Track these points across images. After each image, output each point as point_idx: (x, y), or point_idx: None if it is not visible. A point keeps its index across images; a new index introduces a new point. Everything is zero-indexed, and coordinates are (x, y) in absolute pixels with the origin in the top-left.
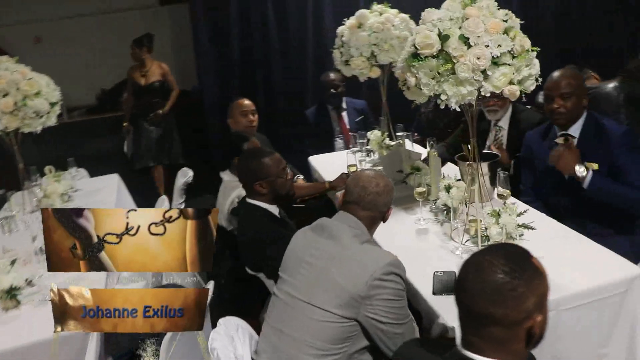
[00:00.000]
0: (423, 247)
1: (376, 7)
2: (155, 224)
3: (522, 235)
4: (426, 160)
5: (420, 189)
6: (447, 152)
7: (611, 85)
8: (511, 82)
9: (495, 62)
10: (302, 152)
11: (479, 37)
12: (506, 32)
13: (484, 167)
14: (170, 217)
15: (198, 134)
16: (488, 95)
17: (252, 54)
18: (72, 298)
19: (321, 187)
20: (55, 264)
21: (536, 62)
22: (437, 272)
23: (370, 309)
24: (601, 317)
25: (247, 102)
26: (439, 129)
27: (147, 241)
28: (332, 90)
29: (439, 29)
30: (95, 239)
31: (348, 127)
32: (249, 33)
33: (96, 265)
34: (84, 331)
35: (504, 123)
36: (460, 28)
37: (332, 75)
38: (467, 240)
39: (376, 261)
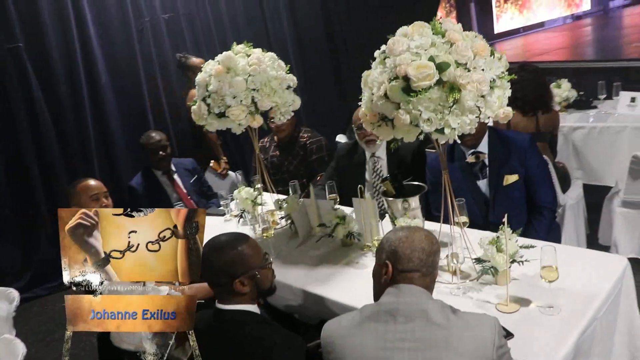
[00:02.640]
0: None
1: (238, 47)
2: (152, 242)
3: (522, 256)
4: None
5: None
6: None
7: None
8: None
9: (491, 86)
10: None
11: (473, 61)
12: (492, 53)
13: (415, 201)
14: (164, 236)
15: None
16: (487, 121)
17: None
18: (82, 302)
19: None
20: (70, 274)
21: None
22: None
23: None
24: (614, 312)
25: (93, 182)
26: (288, 172)
27: (145, 256)
28: (161, 152)
29: (432, 56)
30: (103, 255)
31: (185, 190)
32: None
33: (103, 276)
34: (92, 330)
35: (381, 153)
36: (449, 54)
37: (157, 136)
38: (474, 279)
39: (488, 329)
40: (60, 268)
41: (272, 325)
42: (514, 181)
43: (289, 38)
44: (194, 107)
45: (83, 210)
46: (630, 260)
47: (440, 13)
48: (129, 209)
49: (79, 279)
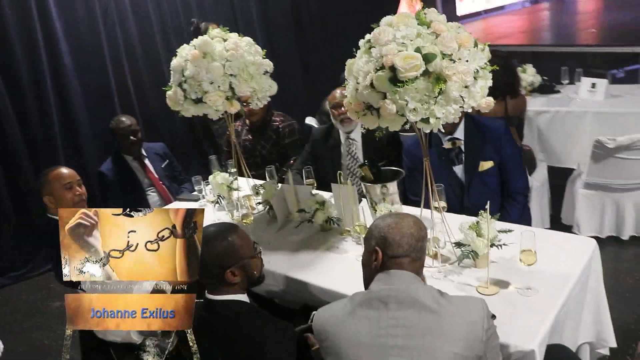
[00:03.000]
0: None
1: (214, 31)
2: (151, 242)
3: (501, 240)
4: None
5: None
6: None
7: None
8: None
9: (475, 77)
10: None
11: (458, 52)
12: (475, 44)
13: (393, 186)
14: (163, 236)
15: None
16: (469, 111)
17: None
18: (82, 301)
19: None
20: (72, 275)
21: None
22: None
23: None
24: (584, 290)
25: (65, 170)
26: (261, 156)
27: (144, 256)
28: (132, 137)
29: (419, 47)
30: (102, 254)
31: (156, 176)
32: None
33: (103, 275)
34: (92, 329)
35: (356, 135)
36: (434, 45)
37: (128, 121)
38: (454, 262)
39: (477, 311)
40: (25, 259)
41: (264, 314)
42: (489, 167)
43: (256, 22)
44: (169, 92)
45: (83, 210)
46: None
47: None
48: (128, 209)
49: (81, 273)
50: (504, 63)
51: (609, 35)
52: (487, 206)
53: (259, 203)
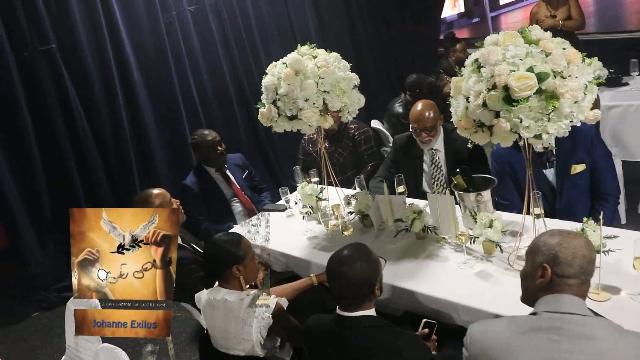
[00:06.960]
0: (511, 292)
1: (304, 49)
2: (138, 271)
3: (606, 245)
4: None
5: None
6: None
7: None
8: None
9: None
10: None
11: (567, 69)
12: (583, 59)
13: (487, 193)
14: (147, 267)
15: None
16: (579, 124)
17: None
18: (86, 314)
19: (306, 284)
20: (79, 292)
21: None
22: None
23: None
24: None
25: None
26: (339, 163)
27: (133, 282)
28: (219, 148)
29: (531, 67)
30: (102, 280)
31: (239, 187)
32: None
33: (102, 294)
34: (94, 335)
35: (439, 145)
36: (545, 63)
37: (211, 133)
38: None
39: None
40: None
41: (394, 327)
42: (581, 170)
43: (312, 29)
44: (262, 110)
45: (88, 248)
46: None
47: None
48: (121, 248)
49: (91, 282)
50: None
51: None
52: (601, 216)
53: (350, 212)
